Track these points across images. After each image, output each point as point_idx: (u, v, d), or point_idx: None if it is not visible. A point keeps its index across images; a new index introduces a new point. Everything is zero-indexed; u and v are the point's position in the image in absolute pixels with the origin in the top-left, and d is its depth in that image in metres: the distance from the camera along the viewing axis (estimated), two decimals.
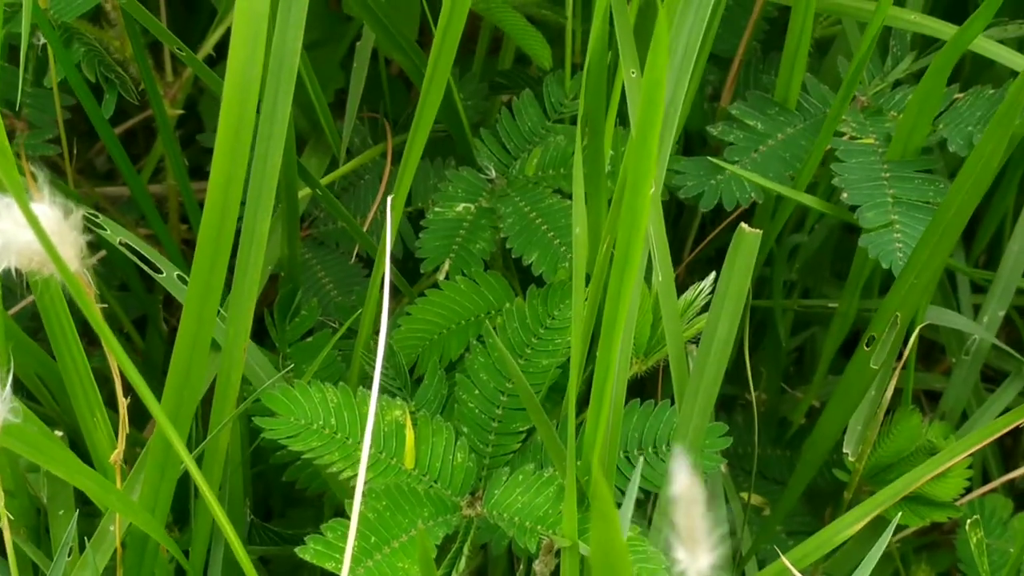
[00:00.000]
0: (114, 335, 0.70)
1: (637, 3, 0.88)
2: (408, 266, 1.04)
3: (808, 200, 0.97)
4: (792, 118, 0.96)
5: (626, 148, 0.80)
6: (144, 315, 1.13)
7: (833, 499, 1.11)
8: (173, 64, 1.08)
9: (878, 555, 0.80)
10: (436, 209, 1.00)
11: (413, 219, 1.07)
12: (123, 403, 0.76)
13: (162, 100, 1.00)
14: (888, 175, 0.92)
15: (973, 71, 1.07)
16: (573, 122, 1.04)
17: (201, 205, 1.11)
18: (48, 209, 0.61)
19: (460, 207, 1.00)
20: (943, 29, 0.95)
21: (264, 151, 0.77)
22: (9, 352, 0.77)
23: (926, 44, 1.01)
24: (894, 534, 1.06)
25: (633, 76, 0.84)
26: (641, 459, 0.86)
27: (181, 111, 1.06)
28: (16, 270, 0.63)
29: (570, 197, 0.99)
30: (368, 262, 1.06)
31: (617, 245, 0.70)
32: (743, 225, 0.79)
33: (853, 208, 0.92)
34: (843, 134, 0.94)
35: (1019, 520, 1.10)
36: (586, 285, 0.82)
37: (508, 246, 0.97)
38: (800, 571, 0.92)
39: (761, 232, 0.79)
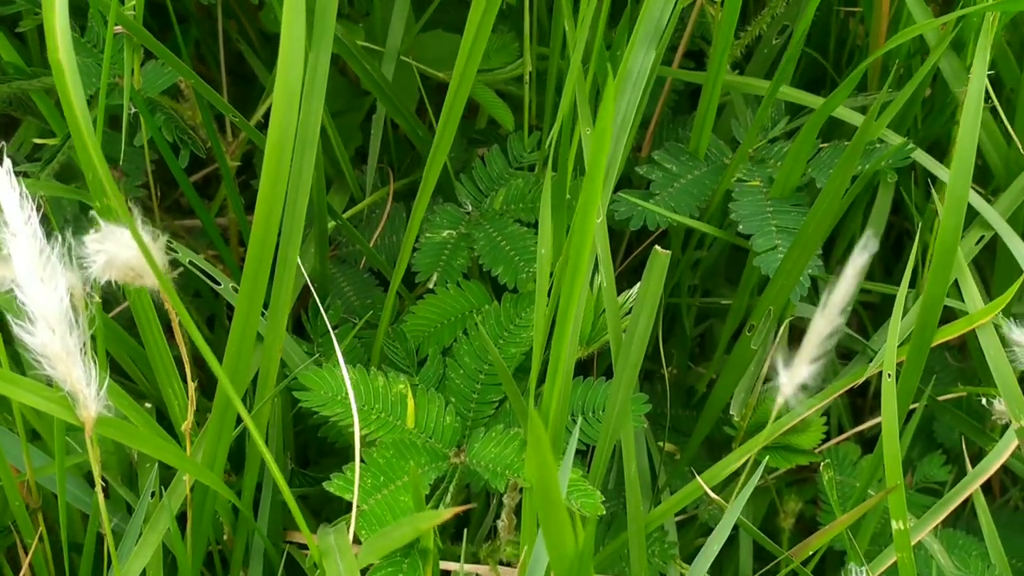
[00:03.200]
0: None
1: (590, 81, 0.89)
2: (406, 277, 1.04)
3: (708, 228, 0.97)
4: (699, 164, 0.96)
5: (581, 184, 0.81)
6: (212, 315, 1.13)
7: (726, 448, 1.11)
8: (232, 128, 1.08)
9: (753, 484, 0.81)
10: (427, 235, 1.00)
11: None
12: (192, 383, 0.76)
13: (224, 155, 1.00)
14: (771, 209, 0.92)
15: (831, 128, 1.08)
16: (530, 169, 1.04)
17: None
18: (143, 235, 0.61)
19: (445, 233, 1.00)
20: (813, 100, 0.96)
21: (295, 193, 0.77)
22: (105, 351, 0.76)
23: (795, 108, 1.02)
24: (771, 473, 1.07)
25: (587, 132, 0.84)
26: (581, 419, 0.87)
27: (239, 163, 1.06)
28: (115, 282, 0.63)
29: (527, 225, 0.99)
30: (377, 274, 1.06)
31: (570, 257, 0.71)
32: (657, 247, 0.80)
33: (746, 236, 0.92)
34: (737, 178, 0.94)
35: (866, 461, 1.11)
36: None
37: (480, 262, 0.97)
38: (697, 498, 0.92)
39: (670, 252, 0.80)
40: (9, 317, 0.60)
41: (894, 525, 0.83)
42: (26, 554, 0.85)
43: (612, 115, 0.66)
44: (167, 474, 0.81)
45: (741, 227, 0.92)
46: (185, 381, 0.78)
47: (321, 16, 0.78)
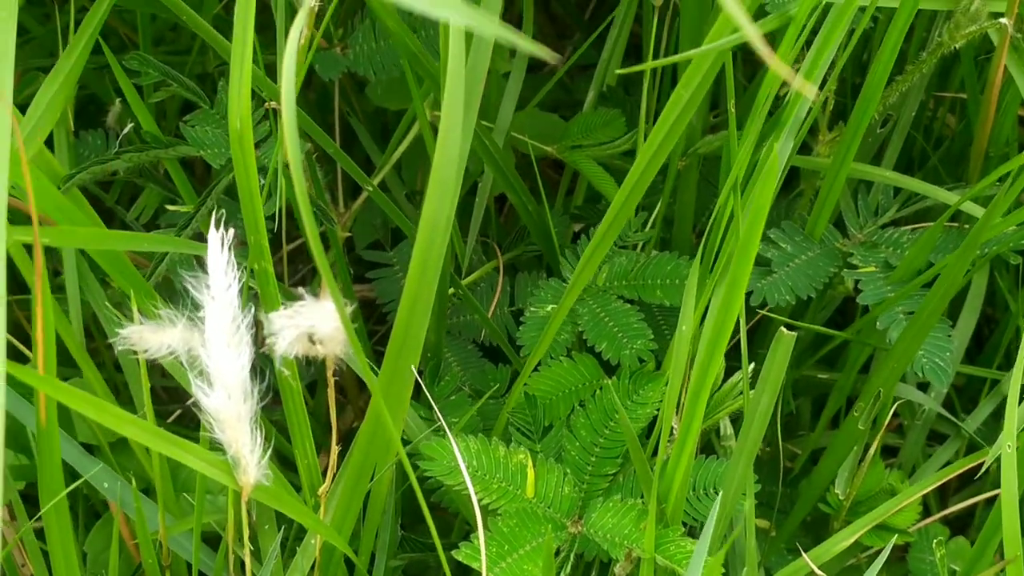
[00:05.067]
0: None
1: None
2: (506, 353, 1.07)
3: (807, 326, 0.99)
4: (813, 245, 0.99)
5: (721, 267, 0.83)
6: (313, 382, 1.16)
7: (816, 526, 1.12)
8: (344, 200, 1.11)
9: (879, 564, 0.82)
10: (531, 309, 1.02)
11: (515, 316, 1.10)
12: (335, 449, 0.78)
13: (337, 226, 1.03)
14: (893, 293, 0.95)
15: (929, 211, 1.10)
16: (634, 248, 1.07)
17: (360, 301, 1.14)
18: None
19: (549, 307, 1.02)
20: (938, 192, 0.99)
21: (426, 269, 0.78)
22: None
23: (896, 191, 1.04)
24: (863, 551, 1.09)
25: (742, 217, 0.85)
26: (701, 494, 0.89)
27: (348, 233, 1.09)
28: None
29: (630, 302, 1.01)
30: (481, 346, 1.08)
31: (707, 341, 0.73)
32: (782, 329, 0.82)
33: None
34: (851, 265, 0.97)
35: (953, 543, 1.12)
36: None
37: (584, 337, 0.99)
38: None
39: (796, 335, 0.82)
40: (191, 376, 0.63)
41: None
42: None
43: (770, 198, 0.68)
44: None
45: (879, 322, 0.94)
46: (317, 449, 0.80)
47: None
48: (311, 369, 1.15)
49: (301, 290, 0.64)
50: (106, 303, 0.86)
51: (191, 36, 1.15)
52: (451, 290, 1.02)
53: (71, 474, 0.97)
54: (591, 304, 1.02)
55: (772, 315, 0.98)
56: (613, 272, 1.04)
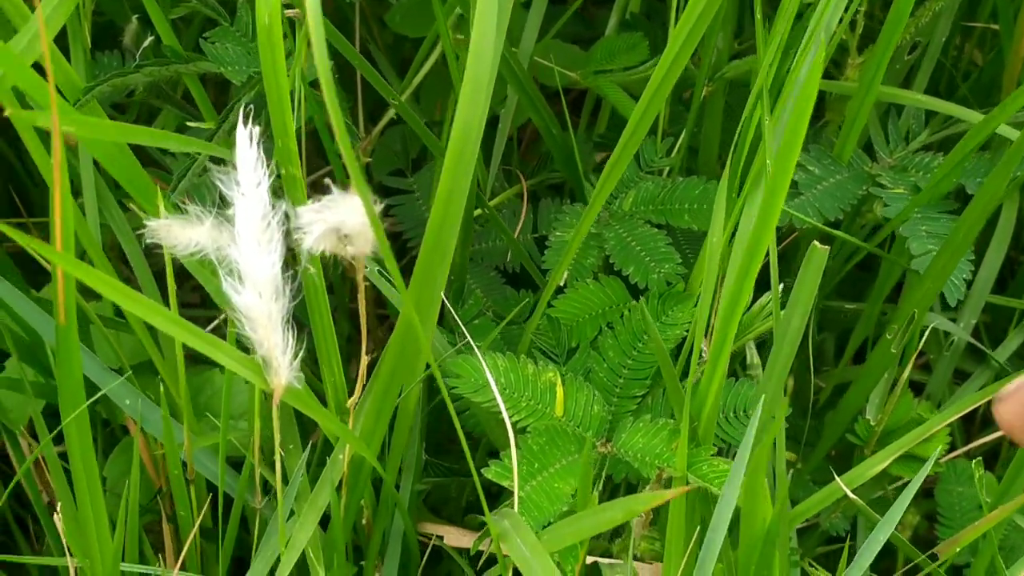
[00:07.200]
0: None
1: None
2: (533, 278, 1.05)
3: (842, 235, 0.98)
4: (841, 169, 0.97)
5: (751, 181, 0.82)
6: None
7: (842, 459, 1.11)
8: (365, 125, 1.10)
9: (913, 490, 0.81)
10: (556, 233, 1.01)
11: (540, 241, 1.08)
12: (365, 358, 0.77)
13: (357, 149, 1.02)
14: (919, 215, 0.93)
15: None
16: (659, 174, 1.05)
17: None
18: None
19: (574, 232, 1.01)
20: (966, 113, 0.97)
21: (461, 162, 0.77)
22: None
23: (929, 115, 1.03)
24: (890, 483, 1.08)
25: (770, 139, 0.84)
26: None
27: (368, 159, 1.08)
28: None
29: (657, 227, 1.00)
30: (504, 272, 1.07)
31: (742, 254, 0.72)
32: (815, 243, 0.80)
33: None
34: (880, 185, 0.95)
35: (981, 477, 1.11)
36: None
37: (611, 261, 0.98)
38: (824, 508, 0.93)
39: (828, 248, 0.80)
40: (221, 272, 0.62)
41: None
42: (173, 526, 0.86)
43: (814, 93, 0.66)
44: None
45: (901, 229, 0.92)
46: (350, 355, 0.79)
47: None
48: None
49: (328, 181, 0.62)
50: (130, 203, 0.84)
51: None
52: (477, 211, 1.00)
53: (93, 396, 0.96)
54: (618, 228, 1.01)
55: (810, 223, 0.96)
56: (640, 197, 1.03)
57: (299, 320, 0.66)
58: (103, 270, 0.85)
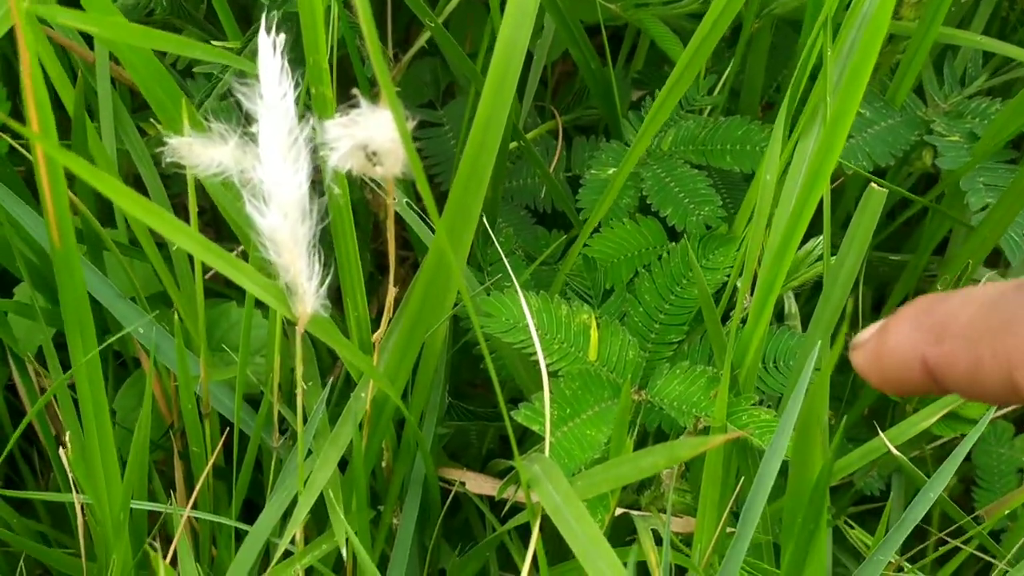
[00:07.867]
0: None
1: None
2: (566, 219, 1.01)
3: (893, 188, 0.93)
4: (893, 113, 0.93)
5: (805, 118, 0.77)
6: None
7: (878, 416, 1.08)
8: (395, 54, 1.05)
9: (964, 452, 0.77)
10: (592, 171, 0.97)
11: (572, 181, 1.04)
12: (392, 290, 0.73)
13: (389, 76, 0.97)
14: (977, 166, 0.88)
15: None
16: (700, 113, 1.01)
17: None
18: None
19: (610, 171, 0.97)
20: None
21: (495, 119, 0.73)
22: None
23: (986, 58, 0.98)
24: (928, 443, 1.04)
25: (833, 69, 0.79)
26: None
27: (397, 89, 1.03)
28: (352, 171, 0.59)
29: (697, 167, 0.96)
30: (534, 212, 1.03)
31: (800, 191, 0.67)
32: (873, 184, 0.76)
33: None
34: (933, 132, 0.91)
35: (1020, 439, 1.08)
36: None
37: (648, 202, 0.94)
38: (860, 467, 0.89)
39: (886, 192, 0.76)
40: (244, 193, 0.57)
41: None
42: (184, 464, 0.83)
43: (879, 43, 0.62)
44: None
45: (961, 183, 0.88)
46: (370, 294, 0.75)
47: None
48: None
49: (356, 91, 0.57)
50: (152, 120, 0.80)
51: None
52: (512, 144, 0.96)
53: (103, 330, 0.92)
54: (655, 168, 0.96)
55: (858, 170, 0.91)
56: (680, 136, 0.98)
57: (323, 253, 0.62)
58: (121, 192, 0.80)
